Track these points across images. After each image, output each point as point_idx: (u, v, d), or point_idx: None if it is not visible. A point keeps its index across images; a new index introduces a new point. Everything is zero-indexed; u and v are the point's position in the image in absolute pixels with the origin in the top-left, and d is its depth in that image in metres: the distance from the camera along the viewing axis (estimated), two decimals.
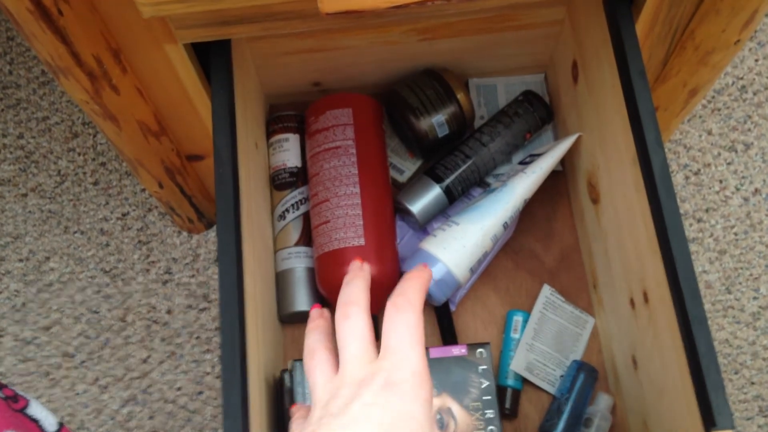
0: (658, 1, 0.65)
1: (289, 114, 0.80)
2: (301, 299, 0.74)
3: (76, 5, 0.59)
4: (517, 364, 0.74)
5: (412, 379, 0.42)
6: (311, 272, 0.75)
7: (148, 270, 1.10)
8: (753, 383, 1.02)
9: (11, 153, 1.17)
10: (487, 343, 0.68)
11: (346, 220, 0.72)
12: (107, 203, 1.13)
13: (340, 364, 0.44)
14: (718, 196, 1.09)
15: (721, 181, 1.10)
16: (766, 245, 1.07)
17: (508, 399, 0.73)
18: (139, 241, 1.11)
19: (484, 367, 0.67)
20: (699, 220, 1.08)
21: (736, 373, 1.03)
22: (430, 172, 0.77)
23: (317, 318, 0.51)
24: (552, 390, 0.74)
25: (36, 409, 0.51)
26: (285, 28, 0.62)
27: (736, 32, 0.69)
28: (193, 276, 1.09)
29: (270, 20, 0.61)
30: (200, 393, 1.05)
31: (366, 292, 0.47)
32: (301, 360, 0.66)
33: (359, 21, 0.70)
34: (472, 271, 0.73)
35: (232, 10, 0.59)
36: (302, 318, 0.76)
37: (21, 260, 1.11)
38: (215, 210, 0.70)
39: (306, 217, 0.77)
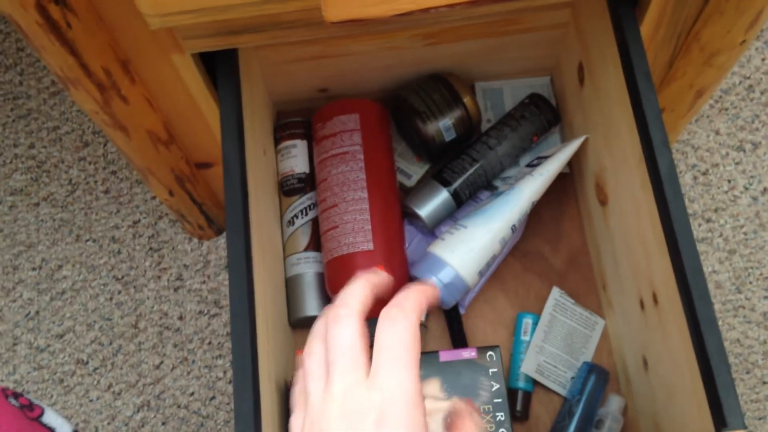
0: (662, 3, 0.66)
1: (296, 120, 0.81)
2: (310, 304, 0.75)
3: (85, 18, 0.59)
4: (528, 366, 0.74)
5: (405, 409, 0.39)
6: (321, 277, 0.76)
7: (159, 277, 1.11)
8: (765, 383, 1.02)
9: (23, 163, 1.18)
10: (497, 346, 0.68)
11: (355, 225, 0.72)
12: (118, 211, 1.14)
13: (329, 379, 0.41)
14: (727, 196, 1.09)
15: (729, 181, 1.10)
16: None
17: (519, 401, 0.74)
18: (151, 249, 1.12)
19: (495, 369, 0.68)
20: (708, 220, 1.08)
21: (747, 372, 1.02)
22: (438, 176, 0.77)
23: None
24: (563, 392, 0.74)
25: (51, 417, 0.52)
26: (291, 36, 0.63)
27: (741, 33, 0.69)
28: (204, 282, 1.10)
29: (276, 29, 0.61)
30: (213, 398, 1.06)
31: (363, 295, 0.43)
32: None
33: (364, 27, 0.70)
34: (481, 274, 0.73)
35: (238, 20, 0.59)
36: (312, 323, 0.76)
37: (34, 269, 1.12)
38: (225, 217, 0.70)
39: (315, 223, 0.77)
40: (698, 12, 0.68)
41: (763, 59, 1.16)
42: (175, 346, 1.07)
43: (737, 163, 1.11)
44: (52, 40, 0.59)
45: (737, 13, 0.66)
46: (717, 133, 1.12)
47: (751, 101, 1.14)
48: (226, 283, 1.10)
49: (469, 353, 0.68)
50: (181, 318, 1.09)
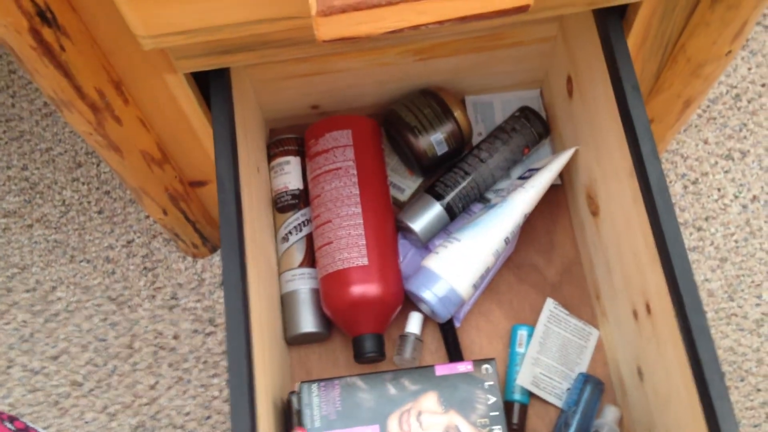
0: (648, 15, 0.66)
1: (289, 137, 0.81)
2: (306, 320, 0.75)
3: (78, 40, 0.60)
4: (523, 378, 0.74)
5: None
6: (316, 293, 0.76)
7: (154, 296, 1.10)
8: (759, 390, 1.02)
9: (16, 185, 1.18)
10: (493, 359, 0.69)
11: (349, 241, 0.72)
12: (112, 231, 1.14)
13: None
14: (717, 205, 1.10)
15: (719, 190, 1.11)
16: (766, 252, 1.08)
17: (515, 414, 0.74)
18: (145, 268, 1.12)
19: (491, 383, 0.68)
20: (699, 229, 1.09)
21: (741, 380, 1.03)
22: (431, 190, 0.78)
23: None
24: (559, 403, 0.75)
25: None
26: (282, 54, 0.63)
27: (726, 44, 0.70)
28: (198, 300, 1.10)
29: (267, 48, 0.62)
30: (209, 417, 1.05)
31: None
32: (308, 381, 0.67)
33: (355, 44, 0.71)
34: (476, 287, 0.74)
35: (230, 40, 0.60)
36: (308, 339, 0.77)
37: (28, 291, 1.12)
38: (219, 234, 0.71)
39: (309, 239, 0.77)
40: (684, 23, 0.69)
41: (749, 68, 1.17)
42: (170, 365, 1.07)
43: (726, 172, 1.12)
44: (46, 63, 0.59)
45: (722, 24, 0.67)
46: (705, 142, 1.13)
47: (738, 110, 1.15)
48: (221, 301, 1.10)
49: (465, 367, 0.68)
50: (176, 337, 1.08)
